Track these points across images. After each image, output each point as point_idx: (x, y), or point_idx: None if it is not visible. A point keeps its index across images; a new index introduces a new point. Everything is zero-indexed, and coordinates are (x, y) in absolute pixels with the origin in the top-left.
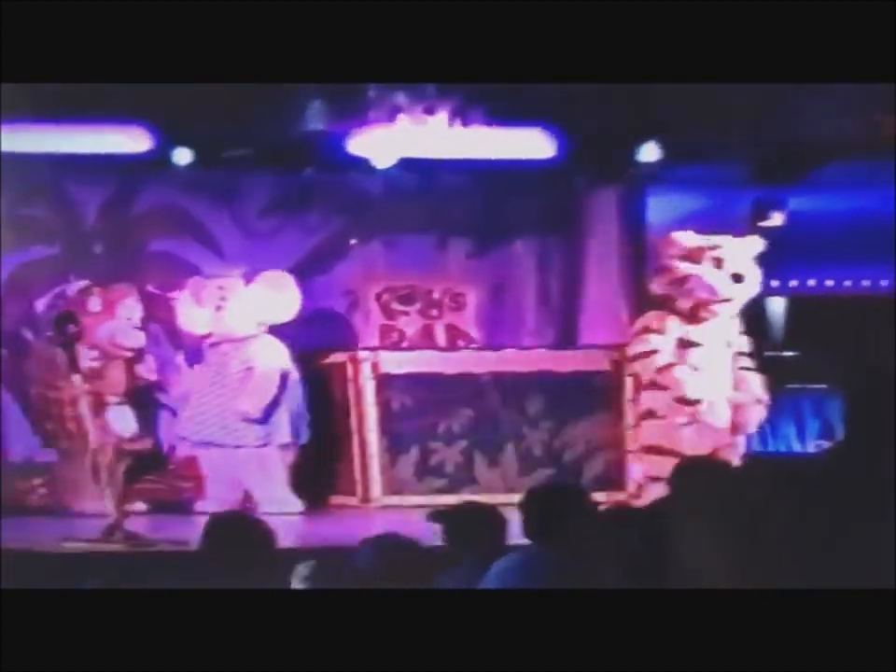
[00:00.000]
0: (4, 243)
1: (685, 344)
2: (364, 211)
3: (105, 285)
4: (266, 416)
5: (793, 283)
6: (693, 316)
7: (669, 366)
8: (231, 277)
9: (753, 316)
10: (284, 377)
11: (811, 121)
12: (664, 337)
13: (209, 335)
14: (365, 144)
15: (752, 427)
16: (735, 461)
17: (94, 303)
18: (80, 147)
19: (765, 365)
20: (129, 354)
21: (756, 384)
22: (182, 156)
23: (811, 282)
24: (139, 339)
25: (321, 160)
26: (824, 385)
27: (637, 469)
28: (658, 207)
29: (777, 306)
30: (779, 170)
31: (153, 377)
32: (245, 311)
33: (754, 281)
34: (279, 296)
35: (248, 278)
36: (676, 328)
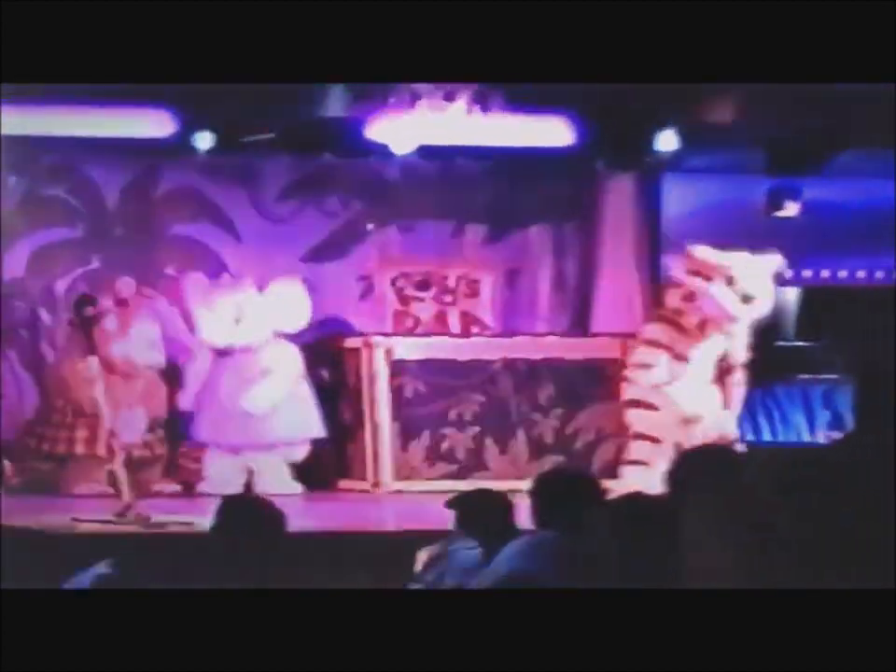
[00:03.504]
0: (25, 223)
1: (679, 359)
2: (381, 196)
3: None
4: (279, 415)
5: (807, 273)
6: (699, 332)
7: (659, 386)
8: (245, 287)
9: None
10: (297, 379)
11: (826, 109)
12: (664, 354)
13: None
14: (384, 130)
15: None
16: None
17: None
18: (103, 131)
19: (777, 355)
20: (147, 372)
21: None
22: (203, 140)
23: (824, 272)
24: (156, 358)
25: (340, 145)
26: (835, 376)
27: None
28: (674, 195)
29: (789, 296)
30: (795, 159)
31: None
32: (260, 321)
33: (766, 301)
34: (291, 305)
35: (260, 286)
36: (677, 343)
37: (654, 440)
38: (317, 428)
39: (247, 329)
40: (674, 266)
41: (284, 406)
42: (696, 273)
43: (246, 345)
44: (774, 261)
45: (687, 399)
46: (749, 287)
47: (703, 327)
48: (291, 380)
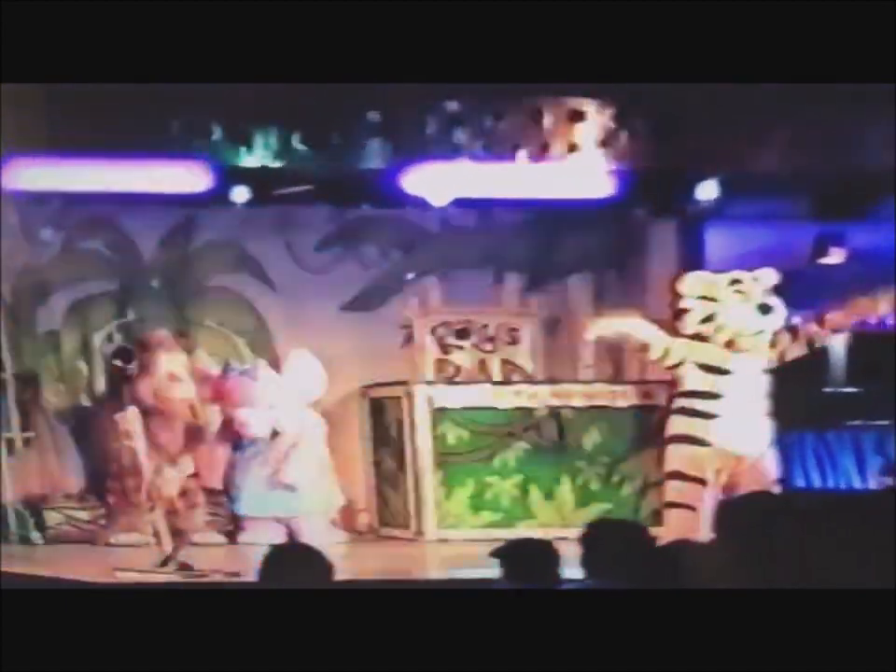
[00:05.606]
0: (62, 276)
1: (714, 371)
2: (420, 246)
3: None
4: (310, 486)
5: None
6: (729, 350)
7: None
8: (264, 373)
9: (815, 352)
10: (322, 448)
11: (872, 154)
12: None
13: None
14: (422, 182)
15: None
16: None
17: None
18: (140, 185)
19: (828, 401)
20: (181, 407)
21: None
22: (240, 194)
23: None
24: (187, 390)
25: (378, 196)
26: (885, 422)
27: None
28: (717, 243)
29: (837, 342)
30: (839, 205)
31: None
32: (287, 400)
33: (780, 311)
34: (308, 375)
35: (275, 366)
36: (706, 355)
37: (698, 480)
38: (339, 498)
39: (281, 413)
40: (677, 295)
41: (316, 477)
42: (704, 297)
43: (282, 428)
44: (770, 275)
45: (735, 429)
46: (762, 298)
47: (730, 345)
48: (319, 449)
